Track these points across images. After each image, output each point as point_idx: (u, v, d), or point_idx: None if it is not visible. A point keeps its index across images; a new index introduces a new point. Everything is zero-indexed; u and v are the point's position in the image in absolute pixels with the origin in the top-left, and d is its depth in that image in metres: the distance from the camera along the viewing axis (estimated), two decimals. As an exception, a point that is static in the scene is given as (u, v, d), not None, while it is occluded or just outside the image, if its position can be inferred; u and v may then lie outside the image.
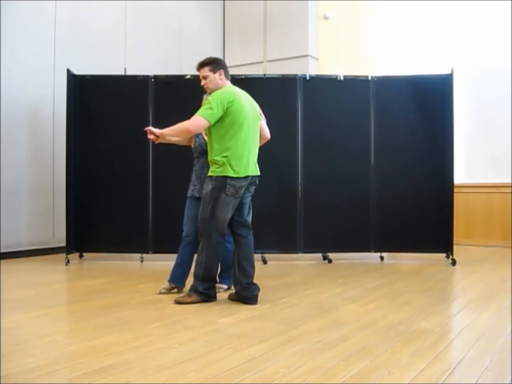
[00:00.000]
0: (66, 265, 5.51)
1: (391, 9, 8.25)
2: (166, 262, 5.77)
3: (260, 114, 3.96)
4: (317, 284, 4.53)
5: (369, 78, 5.93)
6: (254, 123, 3.80)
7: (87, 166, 5.85)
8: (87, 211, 5.87)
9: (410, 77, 5.97)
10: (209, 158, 3.75)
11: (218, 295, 4.00)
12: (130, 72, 6.34)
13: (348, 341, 2.81)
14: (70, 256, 5.66)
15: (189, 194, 4.12)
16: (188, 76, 5.86)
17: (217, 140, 3.67)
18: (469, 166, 7.56)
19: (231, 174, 3.63)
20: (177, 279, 4.07)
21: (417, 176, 5.85)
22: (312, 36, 8.51)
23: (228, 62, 9.77)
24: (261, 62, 8.60)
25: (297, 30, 8.45)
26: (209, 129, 3.71)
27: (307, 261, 5.84)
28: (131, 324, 3.15)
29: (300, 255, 5.95)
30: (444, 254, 5.79)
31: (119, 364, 2.43)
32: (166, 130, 3.77)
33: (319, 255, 5.99)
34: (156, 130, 3.78)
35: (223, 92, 3.67)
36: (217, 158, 3.65)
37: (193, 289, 3.75)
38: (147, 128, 3.82)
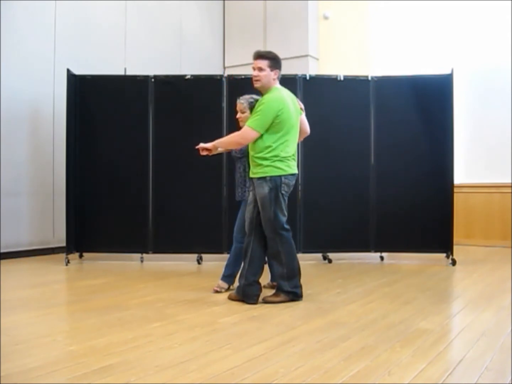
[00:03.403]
0: (66, 265, 5.51)
1: (391, 9, 8.24)
2: (166, 262, 5.79)
3: (301, 108, 3.94)
4: (317, 284, 4.52)
5: (369, 78, 5.93)
6: (297, 123, 3.83)
7: (87, 166, 5.85)
8: (87, 211, 5.87)
9: (410, 77, 5.96)
10: (256, 158, 3.68)
11: (218, 295, 4.01)
12: (130, 72, 6.34)
13: (348, 341, 2.81)
14: (70, 256, 5.66)
15: (241, 197, 4.08)
16: (188, 76, 5.86)
17: (268, 141, 3.64)
18: (469, 166, 7.56)
19: (284, 172, 3.65)
20: None
21: (417, 176, 5.85)
22: (312, 36, 8.51)
23: (228, 62, 9.78)
24: (261, 62, 8.59)
25: (297, 30, 8.45)
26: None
27: (307, 261, 5.83)
28: (131, 324, 3.16)
29: (300, 255, 5.86)
30: (444, 254, 5.79)
31: (119, 364, 2.43)
32: (217, 143, 3.81)
33: (319, 255, 5.99)
34: (208, 145, 3.80)
35: (274, 101, 3.61)
36: (268, 158, 3.63)
37: (280, 289, 3.75)
38: (199, 146, 3.83)
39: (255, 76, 3.66)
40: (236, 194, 4.18)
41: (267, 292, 3.89)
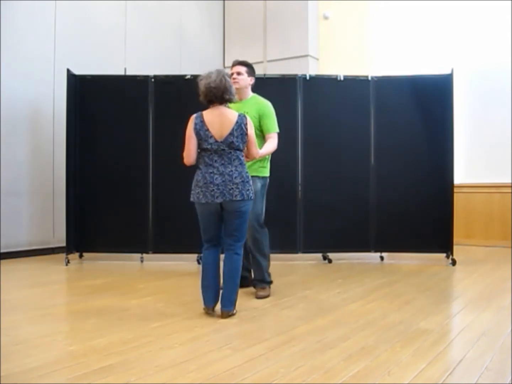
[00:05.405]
0: (66, 265, 5.51)
1: (391, 9, 8.24)
2: (166, 262, 5.79)
3: None
4: (317, 284, 4.53)
5: (369, 78, 5.93)
6: None
7: (87, 166, 5.84)
8: (87, 211, 5.87)
9: (410, 77, 5.96)
10: (260, 160, 3.97)
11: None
12: (130, 72, 6.34)
13: (348, 341, 2.81)
14: (70, 256, 5.66)
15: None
16: (188, 76, 5.85)
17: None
18: (469, 166, 7.56)
19: (268, 174, 4.10)
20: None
21: (417, 176, 5.85)
22: (312, 36, 8.51)
23: (228, 62, 9.76)
24: (261, 62, 8.60)
25: (297, 30, 8.45)
26: (260, 135, 4.00)
27: (307, 261, 5.83)
28: (131, 324, 3.16)
29: (300, 255, 5.94)
30: (444, 254, 5.79)
31: (119, 364, 2.43)
32: (263, 152, 3.94)
33: (319, 255, 5.99)
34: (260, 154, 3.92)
35: (271, 106, 4.09)
36: (267, 159, 4.06)
37: (266, 281, 4.04)
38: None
39: (234, 79, 4.06)
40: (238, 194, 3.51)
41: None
